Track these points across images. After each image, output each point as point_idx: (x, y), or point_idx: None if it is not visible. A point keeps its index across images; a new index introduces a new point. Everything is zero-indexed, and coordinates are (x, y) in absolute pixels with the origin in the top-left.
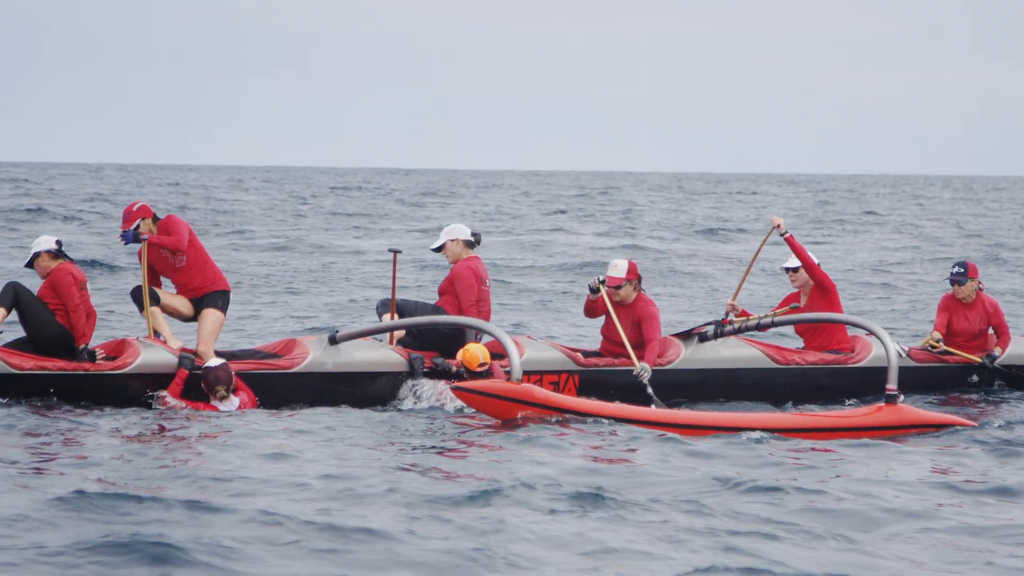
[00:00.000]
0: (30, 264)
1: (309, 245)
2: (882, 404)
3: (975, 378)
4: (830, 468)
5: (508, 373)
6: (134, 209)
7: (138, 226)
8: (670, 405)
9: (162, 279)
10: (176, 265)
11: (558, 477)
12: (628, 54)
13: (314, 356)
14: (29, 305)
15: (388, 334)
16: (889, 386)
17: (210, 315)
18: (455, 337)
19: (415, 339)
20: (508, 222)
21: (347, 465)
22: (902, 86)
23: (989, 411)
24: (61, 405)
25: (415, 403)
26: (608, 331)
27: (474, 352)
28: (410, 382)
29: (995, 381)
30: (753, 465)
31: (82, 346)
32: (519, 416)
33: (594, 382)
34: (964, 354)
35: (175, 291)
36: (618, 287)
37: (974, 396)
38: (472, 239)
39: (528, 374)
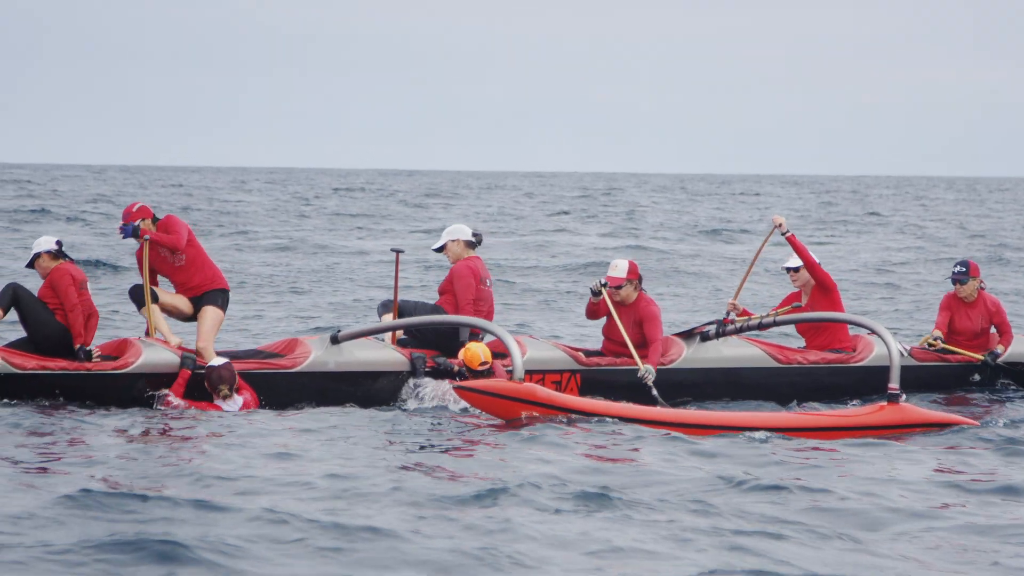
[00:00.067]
0: (31, 265)
1: (313, 246)
2: (884, 403)
3: (977, 377)
4: (834, 467)
5: (510, 372)
6: (134, 210)
7: (137, 228)
8: (675, 405)
9: (161, 279)
10: (175, 264)
11: (563, 476)
12: (629, 54)
13: (316, 356)
14: (29, 305)
15: (389, 334)
16: (891, 385)
17: (210, 312)
18: (453, 336)
19: (414, 339)
20: (511, 223)
21: (351, 464)
22: (903, 86)
23: (991, 410)
24: (64, 405)
25: (417, 403)
26: (609, 331)
27: (475, 351)
28: (412, 381)
29: (998, 379)
30: (756, 464)
31: (78, 345)
32: (523, 416)
33: (596, 381)
34: (966, 352)
35: (174, 291)
36: (619, 287)
37: (976, 395)
38: (473, 239)
39: (530, 373)
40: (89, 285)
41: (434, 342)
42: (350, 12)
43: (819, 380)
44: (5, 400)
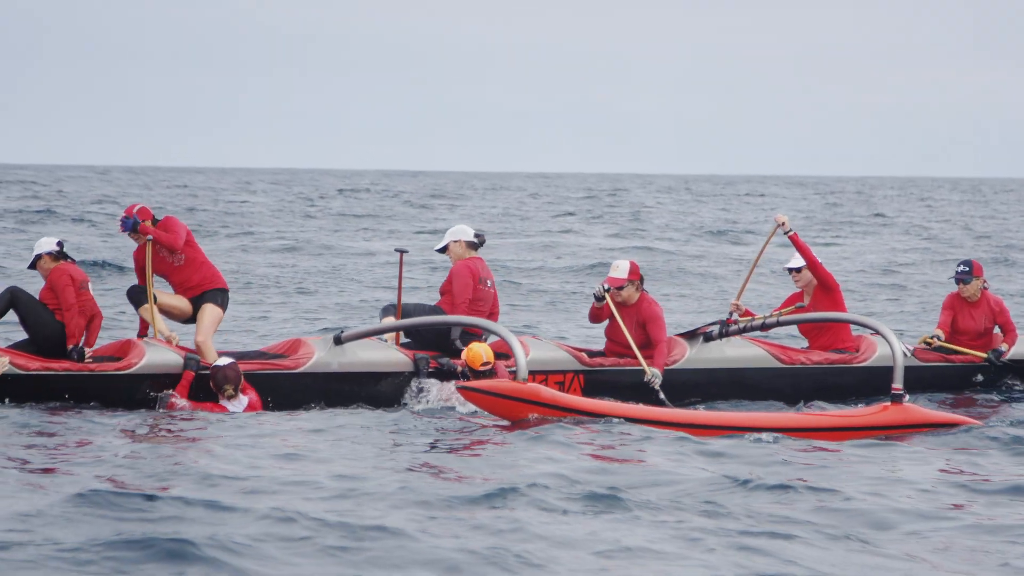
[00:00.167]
0: (33, 266)
1: (318, 246)
2: (888, 403)
3: (980, 377)
4: (840, 468)
5: (512, 373)
6: (134, 211)
7: (137, 220)
8: (681, 405)
9: (160, 280)
10: (174, 264)
11: (570, 476)
12: (630, 54)
13: (319, 356)
14: (27, 307)
15: (393, 334)
16: (895, 385)
17: (209, 309)
18: (446, 336)
19: (412, 339)
20: (517, 224)
21: (358, 465)
22: (904, 87)
23: (995, 410)
24: (69, 406)
25: (423, 403)
26: (612, 332)
27: (477, 351)
28: (415, 382)
29: (1002, 378)
30: (762, 464)
31: (71, 346)
32: (531, 416)
33: (599, 382)
34: (968, 351)
35: (172, 291)
36: (620, 288)
37: (980, 395)
38: (475, 240)
39: (533, 374)
40: (94, 286)
41: (433, 343)
42: (350, 12)
43: (822, 380)
44: (8, 401)
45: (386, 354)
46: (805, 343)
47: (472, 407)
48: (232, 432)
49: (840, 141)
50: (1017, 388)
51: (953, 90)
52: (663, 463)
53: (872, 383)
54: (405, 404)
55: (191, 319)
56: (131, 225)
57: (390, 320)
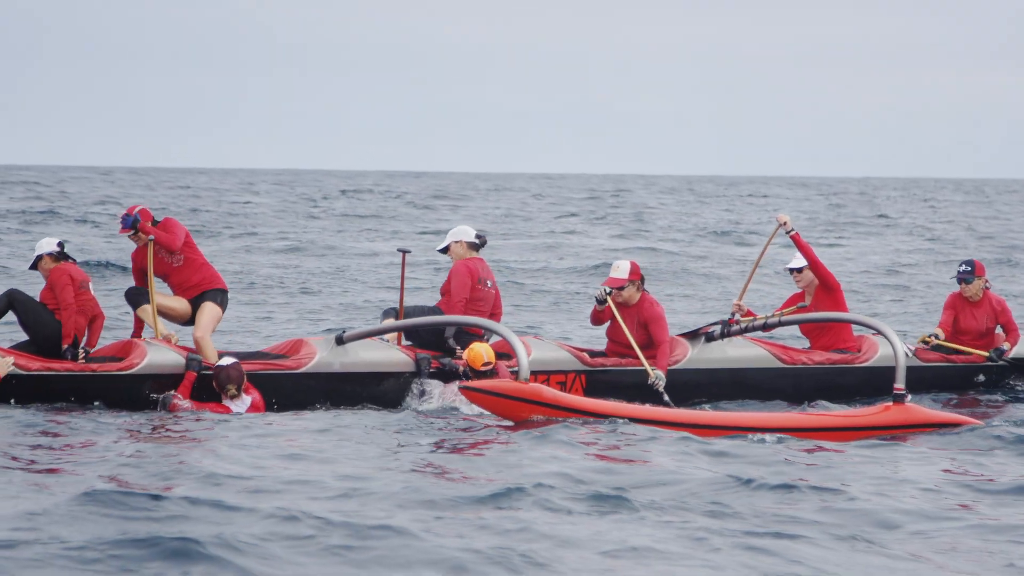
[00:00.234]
0: (34, 266)
1: (322, 247)
2: (890, 403)
3: (982, 377)
4: (843, 468)
5: (514, 373)
6: (135, 211)
7: (137, 218)
8: (684, 406)
9: (159, 282)
10: (174, 264)
11: (574, 476)
12: (630, 55)
13: (321, 356)
14: (26, 308)
15: (395, 334)
16: (897, 385)
17: (208, 306)
18: (441, 335)
19: (413, 340)
20: (520, 224)
21: (363, 464)
22: (906, 87)
23: (997, 410)
24: (73, 406)
25: (423, 403)
26: (613, 333)
27: (478, 351)
28: (417, 382)
29: (1004, 377)
30: (765, 464)
31: (66, 346)
32: (534, 416)
33: (601, 382)
34: (971, 349)
35: (171, 293)
36: (621, 288)
37: (982, 395)
38: (477, 241)
39: (535, 374)
40: (97, 287)
41: (430, 343)
42: (350, 12)
43: (824, 381)
44: (13, 401)
45: (388, 354)
46: (807, 343)
47: (475, 407)
48: (236, 432)
49: (842, 142)
50: (1019, 388)
51: (956, 91)
52: (667, 463)
53: (874, 383)
54: (407, 404)
55: (190, 321)
56: (131, 223)
57: (391, 320)
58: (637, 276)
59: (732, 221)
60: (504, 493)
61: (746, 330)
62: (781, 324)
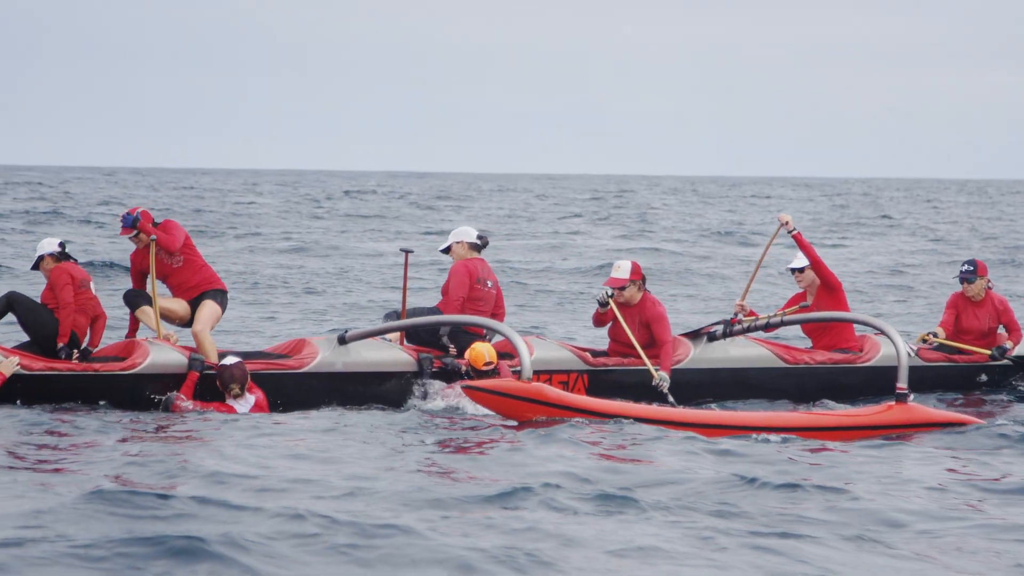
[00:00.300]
0: (36, 267)
1: (326, 247)
2: (892, 403)
3: (984, 377)
4: (847, 467)
5: (516, 372)
6: (136, 212)
7: (138, 217)
8: (692, 405)
9: (159, 282)
10: (173, 266)
11: (579, 475)
12: (630, 55)
13: (323, 356)
14: (25, 308)
15: (397, 334)
16: (899, 385)
17: (208, 304)
18: (435, 334)
19: (413, 339)
20: (524, 225)
21: (368, 464)
22: (907, 88)
23: (1000, 409)
24: (79, 406)
25: (426, 403)
26: (615, 333)
27: (480, 351)
28: (420, 382)
29: (1007, 376)
30: (769, 463)
31: (61, 344)
32: (537, 417)
33: (603, 382)
34: (974, 348)
35: (171, 295)
36: (623, 288)
37: (984, 395)
38: (478, 242)
39: (537, 373)
40: (101, 288)
41: (426, 342)
42: (350, 12)
43: (826, 380)
44: (19, 402)
45: (390, 354)
46: (809, 343)
47: (478, 407)
48: (241, 431)
49: (842, 142)
50: (1022, 387)
51: (956, 91)
52: (672, 462)
53: (876, 383)
54: (410, 404)
55: (189, 323)
56: (131, 221)
57: (394, 320)
58: (638, 276)
59: (735, 222)
60: (510, 492)
61: (748, 330)
62: (783, 324)
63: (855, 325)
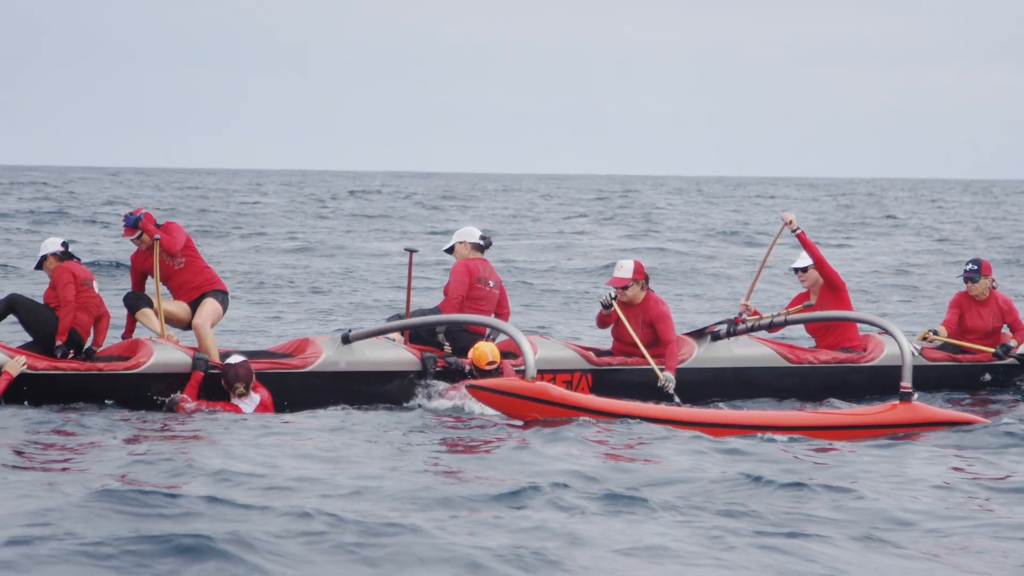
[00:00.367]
0: (39, 267)
1: (331, 247)
2: (897, 402)
3: (988, 377)
4: (852, 466)
5: (520, 372)
6: (140, 212)
7: (140, 217)
8: (699, 404)
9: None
10: (174, 267)
11: (586, 475)
12: (630, 55)
13: (327, 355)
14: (26, 309)
15: (401, 334)
16: (904, 384)
17: (209, 302)
18: (433, 333)
19: (414, 339)
20: (529, 225)
21: (375, 463)
22: (907, 88)
23: (1004, 408)
24: (84, 405)
25: (432, 402)
26: (619, 332)
27: (483, 350)
28: (423, 381)
29: (1011, 375)
30: (774, 462)
31: (59, 342)
32: (541, 416)
33: (607, 381)
34: (978, 346)
35: (172, 297)
36: (625, 287)
37: (988, 394)
38: (481, 242)
39: (541, 373)
40: (107, 287)
41: (424, 341)
42: (350, 12)
43: (830, 380)
44: (26, 403)
45: (394, 353)
46: (813, 343)
47: (482, 406)
48: (247, 431)
49: (842, 142)
50: None
51: (956, 91)
52: (678, 461)
53: (880, 382)
54: (413, 403)
55: (189, 327)
56: (134, 221)
57: (398, 320)
58: (641, 275)
59: (740, 222)
60: (517, 492)
61: (752, 329)
62: (787, 323)
63: (859, 324)
